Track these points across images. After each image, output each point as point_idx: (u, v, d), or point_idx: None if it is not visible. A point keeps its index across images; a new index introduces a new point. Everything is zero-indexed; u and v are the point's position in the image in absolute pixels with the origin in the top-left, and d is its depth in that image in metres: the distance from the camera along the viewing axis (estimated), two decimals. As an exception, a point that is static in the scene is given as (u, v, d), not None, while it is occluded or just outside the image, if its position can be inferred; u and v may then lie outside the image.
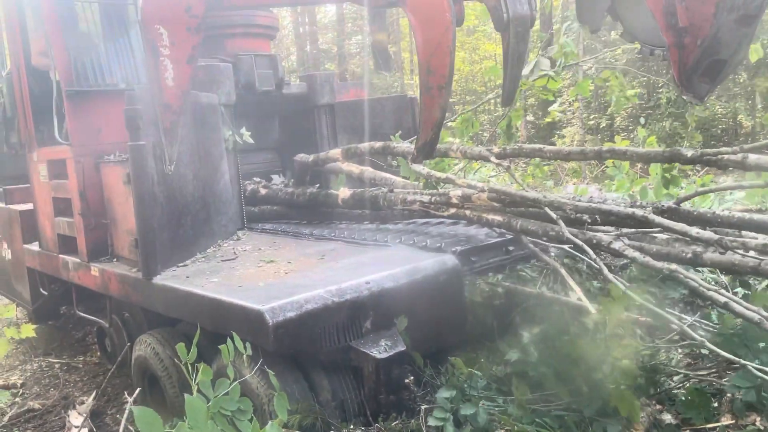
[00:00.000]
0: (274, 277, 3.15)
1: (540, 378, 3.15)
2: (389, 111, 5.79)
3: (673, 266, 2.72)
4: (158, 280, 3.32)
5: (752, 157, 2.62)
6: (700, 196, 3.53)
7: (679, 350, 3.26)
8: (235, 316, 2.73)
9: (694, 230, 2.64)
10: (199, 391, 2.05)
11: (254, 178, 5.27)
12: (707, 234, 2.64)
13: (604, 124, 16.24)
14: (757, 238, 2.76)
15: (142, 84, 4.16)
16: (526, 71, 5.17)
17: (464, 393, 2.92)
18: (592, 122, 16.39)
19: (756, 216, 2.75)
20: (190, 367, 2.06)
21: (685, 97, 2.78)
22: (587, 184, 7.30)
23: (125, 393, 3.54)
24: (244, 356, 2.31)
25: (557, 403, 3.01)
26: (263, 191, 5.11)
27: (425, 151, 2.84)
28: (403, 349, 2.83)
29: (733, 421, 2.66)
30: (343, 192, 4.52)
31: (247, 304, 2.66)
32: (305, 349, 2.72)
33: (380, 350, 2.77)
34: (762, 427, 2.56)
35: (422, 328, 3.10)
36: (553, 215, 3.22)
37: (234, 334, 2.33)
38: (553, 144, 14.68)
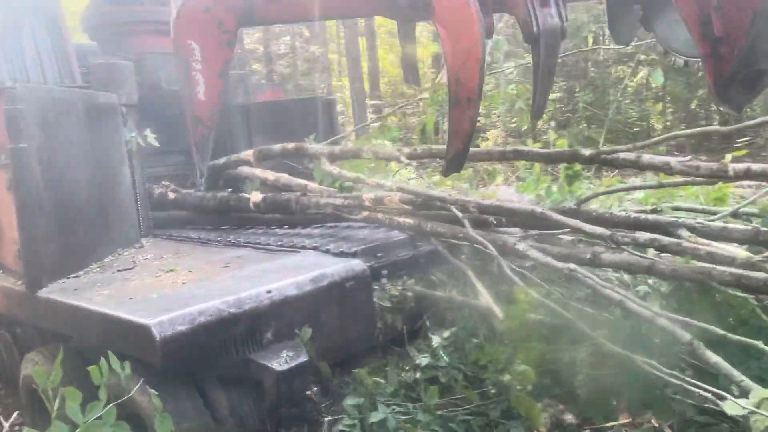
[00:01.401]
0: (171, 287, 2.98)
1: (449, 382, 3.13)
2: (308, 112, 5.67)
3: (572, 266, 2.75)
4: (43, 293, 3.08)
5: (646, 157, 2.67)
6: (605, 197, 3.60)
7: (583, 349, 3.32)
8: (122, 332, 2.55)
9: (588, 226, 2.67)
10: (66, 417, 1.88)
11: (162, 182, 5.03)
12: (600, 230, 2.68)
13: (525, 127, 16.65)
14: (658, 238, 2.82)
15: (30, 82, 3.89)
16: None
17: (372, 400, 2.86)
18: (514, 125, 16.78)
19: (650, 216, 2.82)
20: (50, 392, 1.89)
21: (722, 108, 2.71)
22: (508, 185, 7.42)
23: (16, 414, 3.28)
24: (123, 375, 2.15)
25: (465, 407, 3.00)
26: (172, 195, 4.89)
27: (455, 164, 2.73)
28: (305, 359, 2.73)
29: (630, 420, 2.71)
30: (255, 196, 4.38)
31: (134, 318, 2.48)
32: (199, 364, 2.58)
33: (281, 362, 2.66)
34: (656, 425, 2.62)
35: (329, 337, 3.01)
36: (459, 214, 3.20)
37: (110, 352, 2.17)
38: (477, 146, 14.92)
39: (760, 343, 2.14)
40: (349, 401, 2.73)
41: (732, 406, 1.87)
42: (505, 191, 5.06)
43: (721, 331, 2.26)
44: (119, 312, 2.60)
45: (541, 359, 3.01)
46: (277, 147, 4.89)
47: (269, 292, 2.79)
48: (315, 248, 3.58)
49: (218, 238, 4.21)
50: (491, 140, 16.39)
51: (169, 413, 2.49)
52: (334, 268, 3.10)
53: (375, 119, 5.89)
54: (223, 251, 3.81)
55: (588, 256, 2.87)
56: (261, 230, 4.39)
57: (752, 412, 1.86)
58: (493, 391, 3.11)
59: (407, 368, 3.25)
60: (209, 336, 2.54)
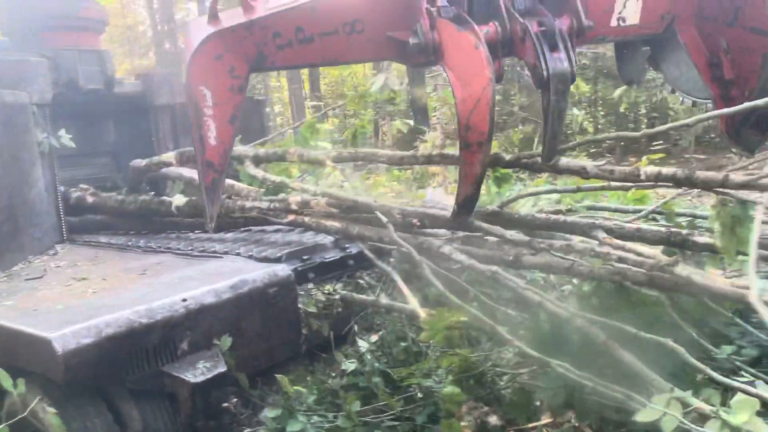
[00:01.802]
0: (80, 297, 2.82)
1: (374, 388, 3.09)
2: (236, 113, 5.53)
3: (495, 268, 2.76)
4: (-62, 305, 2.86)
5: (563, 161, 2.70)
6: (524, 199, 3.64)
7: (510, 350, 3.34)
8: (23, 346, 2.39)
9: (509, 233, 2.68)
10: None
11: (81, 185, 4.79)
12: (519, 237, 2.69)
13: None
14: (571, 240, 2.86)
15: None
16: (375, 87, 5.14)
17: (292, 410, 2.79)
18: (453, 128, 16.96)
19: (569, 218, 2.86)
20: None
21: (734, 150, 2.70)
22: (443, 187, 7.46)
23: None
24: (16, 393, 2.01)
25: (390, 413, 2.96)
26: (91, 199, 4.66)
27: (467, 208, 2.69)
28: (223, 370, 2.63)
29: (552, 419, 2.74)
30: (178, 199, 4.22)
31: (35, 331, 2.33)
32: (108, 378, 2.45)
33: (197, 373, 2.56)
34: (576, 424, 2.65)
35: (250, 345, 2.92)
36: (384, 219, 3.17)
37: (1, 369, 2.02)
38: (416, 148, 14.97)
39: (669, 341, 2.19)
40: (268, 412, 2.65)
41: (645, 414, 1.90)
42: (437, 193, 5.08)
43: (633, 330, 2.30)
44: (19, 324, 2.44)
45: (464, 362, 3.01)
46: (202, 148, 4.73)
47: (185, 300, 2.68)
48: (238, 253, 3.47)
49: (139, 244, 4.04)
50: (429, 143, 16.49)
51: (77, 431, 2.36)
52: (256, 273, 3.01)
53: (300, 123, 5.78)
54: (141, 257, 3.65)
55: (511, 258, 2.88)
56: (184, 235, 4.24)
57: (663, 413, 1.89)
58: (420, 396, 3.09)
59: (333, 375, 3.20)
60: (118, 348, 2.41)
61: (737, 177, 2.45)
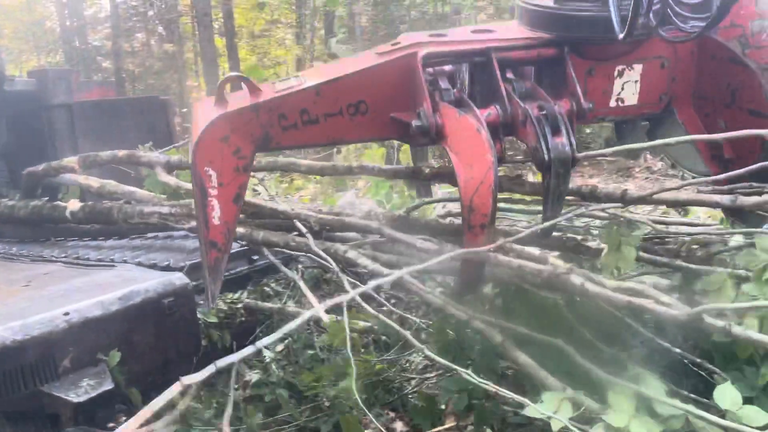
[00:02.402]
0: (-51, 313, 2.57)
1: (278, 399, 3.00)
2: (141, 112, 5.29)
3: (398, 272, 2.73)
4: None
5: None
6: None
7: (418, 355, 3.33)
8: None
9: (419, 241, 2.67)
10: None
11: None
12: (426, 243, 2.69)
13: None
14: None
15: None
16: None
17: (189, 426, 2.65)
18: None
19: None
20: None
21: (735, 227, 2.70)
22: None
23: None
24: None
25: (294, 423, 2.88)
26: (-25, 206, 4.31)
27: (470, 289, 2.67)
28: (110, 387, 2.46)
29: (455, 423, 2.74)
30: (73, 204, 3.97)
31: None
32: (-24, 401, 2.24)
33: (79, 392, 2.38)
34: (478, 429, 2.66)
35: (143, 360, 2.75)
36: (303, 228, 3.10)
37: None
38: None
39: (560, 341, 2.22)
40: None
41: (533, 411, 1.91)
42: (349, 196, 5.04)
43: (526, 331, 2.32)
44: None
45: (371, 368, 2.97)
46: (106, 154, 4.46)
47: (67, 314, 2.49)
48: (136, 262, 3.29)
49: (29, 253, 3.77)
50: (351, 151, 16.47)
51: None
52: (150, 283, 2.85)
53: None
54: (29, 267, 3.40)
55: (417, 262, 2.87)
56: (82, 243, 4.00)
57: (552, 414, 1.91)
58: (327, 404, 3.02)
59: (236, 387, 3.07)
60: (-13, 369, 2.21)
61: (634, 192, 2.62)
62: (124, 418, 2.52)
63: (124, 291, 2.74)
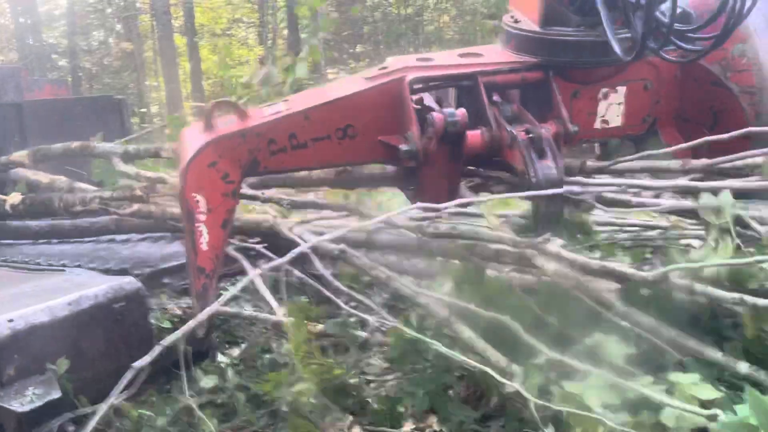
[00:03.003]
0: None
1: (235, 404, 2.94)
2: (94, 112, 5.15)
3: (343, 246, 2.80)
4: None
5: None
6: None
7: (379, 356, 3.31)
8: None
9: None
10: None
11: None
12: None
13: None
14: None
15: None
16: (255, 79, 5.00)
17: (140, 435, 2.58)
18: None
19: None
20: None
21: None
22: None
23: None
24: None
25: (251, 429, 2.83)
26: None
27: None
28: (57, 396, 2.38)
29: (415, 425, 2.72)
30: (13, 197, 3.86)
31: None
32: None
33: (24, 401, 2.29)
34: (438, 429, 2.65)
35: (93, 367, 2.66)
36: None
37: None
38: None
39: (507, 318, 2.22)
40: (110, 440, 2.43)
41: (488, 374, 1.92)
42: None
43: (473, 308, 2.33)
44: None
45: (328, 371, 2.94)
46: (58, 146, 4.32)
47: (11, 321, 2.40)
48: (83, 266, 3.20)
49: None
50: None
51: None
52: (100, 288, 2.76)
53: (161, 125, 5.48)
54: (-28, 272, 3.26)
55: (364, 236, 2.90)
56: (26, 244, 3.86)
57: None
58: (284, 409, 2.98)
59: (191, 393, 3.00)
60: (-77, 379, 2.11)
61: (593, 164, 2.77)
62: (72, 428, 2.45)
63: (74, 296, 2.65)
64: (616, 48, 2.45)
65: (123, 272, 3.14)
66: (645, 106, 2.93)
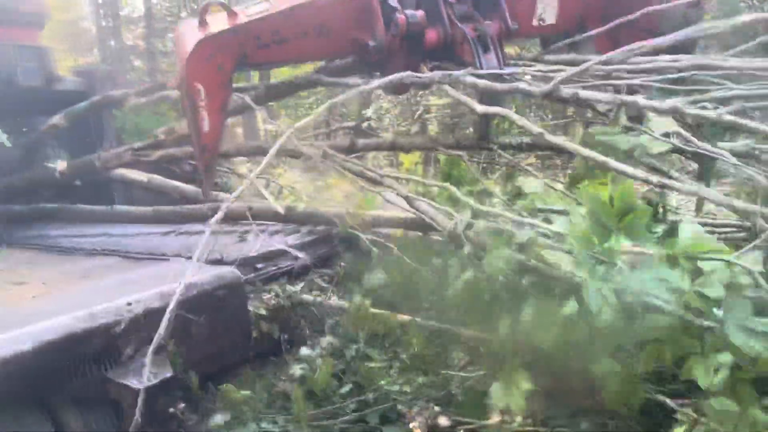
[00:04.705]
0: (17, 303, 2.70)
1: (326, 391, 3.06)
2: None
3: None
4: None
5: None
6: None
7: (459, 351, 3.37)
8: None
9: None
10: None
11: None
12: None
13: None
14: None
15: None
16: None
17: (242, 416, 2.74)
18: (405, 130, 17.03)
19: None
20: None
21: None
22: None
23: None
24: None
25: (343, 417, 2.94)
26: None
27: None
28: (169, 374, 2.56)
29: (501, 419, 2.77)
30: (61, 165, 4.32)
31: (-33, 338, 2.22)
32: (48, 386, 2.35)
33: (141, 379, 2.48)
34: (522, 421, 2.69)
35: (199, 349, 2.85)
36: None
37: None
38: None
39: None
40: (217, 418, 2.59)
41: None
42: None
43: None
44: (-50, 332, 2.31)
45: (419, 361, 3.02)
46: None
47: (129, 304, 2.60)
48: (184, 256, 3.40)
49: (81, 246, 3.90)
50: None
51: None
52: (204, 276, 2.94)
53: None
54: (83, 260, 3.53)
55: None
56: (129, 233, 4.12)
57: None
58: (374, 397, 3.07)
59: (283, 378, 3.15)
60: (58, 355, 2.32)
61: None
62: (182, 405, 2.63)
63: (182, 283, 2.83)
64: None
65: (218, 262, 3.32)
66: (577, 6, 3.35)
